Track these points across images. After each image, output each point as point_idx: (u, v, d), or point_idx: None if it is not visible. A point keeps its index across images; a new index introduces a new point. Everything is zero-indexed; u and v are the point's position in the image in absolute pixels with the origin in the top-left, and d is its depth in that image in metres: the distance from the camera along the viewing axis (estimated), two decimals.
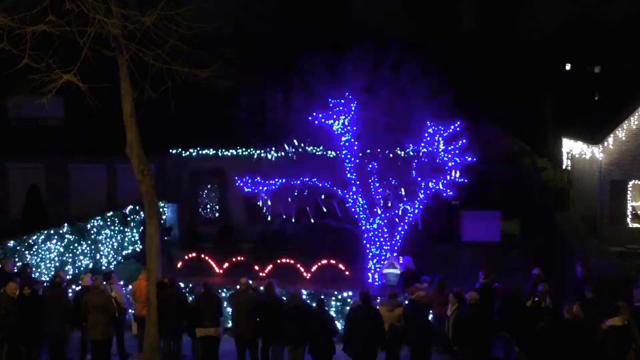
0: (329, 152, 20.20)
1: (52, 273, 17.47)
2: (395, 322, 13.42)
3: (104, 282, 14.58)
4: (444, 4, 48.44)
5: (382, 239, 19.84)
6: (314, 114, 19.34)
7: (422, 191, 19.61)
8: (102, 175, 28.41)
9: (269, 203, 20.32)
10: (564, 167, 34.42)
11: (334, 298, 16.16)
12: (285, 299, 14.41)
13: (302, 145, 20.86)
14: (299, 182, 19.64)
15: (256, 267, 21.23)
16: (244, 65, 17.78)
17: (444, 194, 19.56)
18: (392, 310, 13.50)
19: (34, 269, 17.29)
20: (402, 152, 20.27)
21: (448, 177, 19.51)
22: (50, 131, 28.79)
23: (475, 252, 24.55)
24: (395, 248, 20.02)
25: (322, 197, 19.99)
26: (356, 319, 12.75)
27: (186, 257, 22.34)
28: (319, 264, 21.21)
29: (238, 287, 14.30)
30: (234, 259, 21.99)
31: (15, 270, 16.26)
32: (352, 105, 19.22)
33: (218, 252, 23.78)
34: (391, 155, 19.93)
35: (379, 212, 19.72)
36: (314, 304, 14.01)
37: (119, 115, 13.99)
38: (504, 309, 13.97)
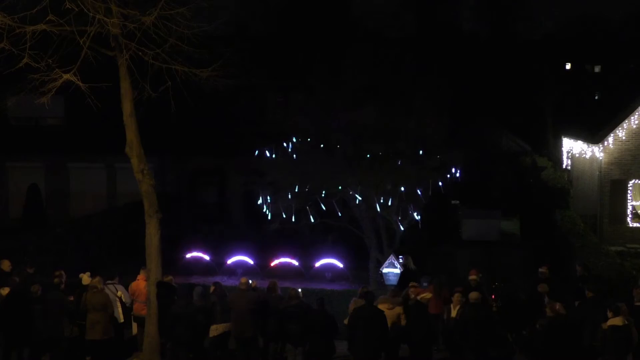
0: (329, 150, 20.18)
1: (51, 273, 17.43)
2: (395, 320, 13.42)
3: (108, 282, 14.58)
4: (444, 4, 48.43)
5: (382, 238, 19.84)
6: (314, 113, 19.35)
7: (422, 191, 19.60)
8: (102, 175, 28.43)
9: (269, 202, 20.34)
10: (564, 166, 34.44)
11: (334, 297, 16.17)
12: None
13: (302, 144, 20.83)
14: (298, 181, 19.63)
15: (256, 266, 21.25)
16: (244, 65, 17.79)
17: (444, 193, 19.55)
18: (392, 308, 13.49)
19: (34, 269, 17.19)
20: (402, 152, 20.24)
21: (448, 177, 19.51)
22: (50, 131, 28.81)
23: (475, 251, 24.54)
24: (395, 247, 20.02)
25: (322, 195, 19.98)
26: (360, 319, 12.73)
27: (186, 257, 22.37)
28: (319, 262, 21.25)
29: (238, 286, 14.30)
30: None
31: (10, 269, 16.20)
32: (351, 104, 19.23)
33: (218, 251, 23.84)
34: (391, 154, 19.90)
35: (379, 211, 19.71)
36: (314, 303, 14.00)
37: (118, 114, 13.98)
38: (504, 308, 13.96)
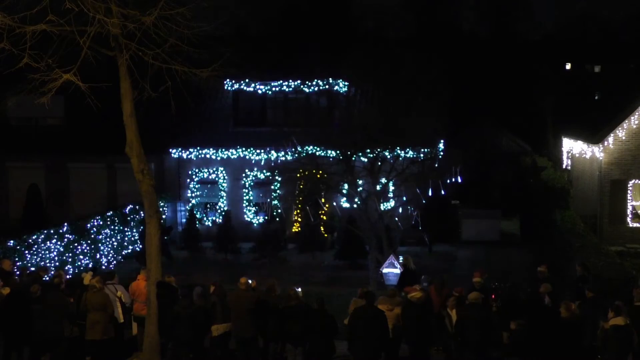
0: (329, 151, 20.18)
1: (52, 273, 17.44)
2: (395, 321, 13.41)
3: (107, 282, 14.58)
4: (444, 4, 48.47)
5: (382, 238, 19.83)
6: (314, 113, 19.35)
7: (422, 190, 19.59)
8: (102, 175, 28.39)
9: (269, 202, 20.38)
10: (564, 166, 34.44)
11: (334, 297, 16.16)
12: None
13: (302, 145, 20.85)
14: (299, 181, 19.63)
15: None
16: (243, 65, 17.81)
17: (444, 193, 19.55)
18: (392, 309, 13.49)
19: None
20: (402, 152, 20.27)
21: (448, 177, 19.51)
22: (50, 131, 28.79)
23: (475, 251, 24.56)
24: (395, 248, 20.01)
25: (322, 195, 19.98)
26: (360, 319, 12.72)
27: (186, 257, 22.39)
28: (319, 262, 21.24)
29: (238, 286, 14.30)
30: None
31: (15, 270, 16.24)
32: (351, 105, 19.24)
33: (218, 252, 23.85)
34: (390, 156, 19.91)
35: (379, 211, 19.71)
36: (314, 303, 13.99)
37: (118, 114, 13.98)
38: (504, 309, 13.95)
